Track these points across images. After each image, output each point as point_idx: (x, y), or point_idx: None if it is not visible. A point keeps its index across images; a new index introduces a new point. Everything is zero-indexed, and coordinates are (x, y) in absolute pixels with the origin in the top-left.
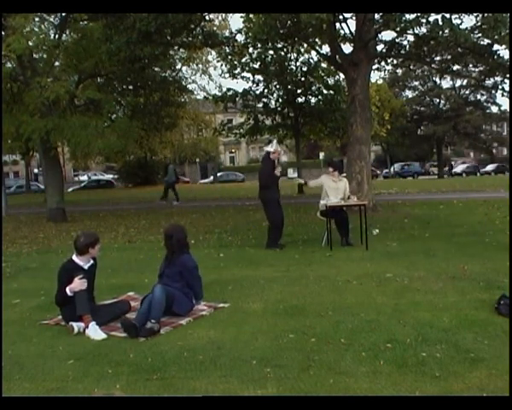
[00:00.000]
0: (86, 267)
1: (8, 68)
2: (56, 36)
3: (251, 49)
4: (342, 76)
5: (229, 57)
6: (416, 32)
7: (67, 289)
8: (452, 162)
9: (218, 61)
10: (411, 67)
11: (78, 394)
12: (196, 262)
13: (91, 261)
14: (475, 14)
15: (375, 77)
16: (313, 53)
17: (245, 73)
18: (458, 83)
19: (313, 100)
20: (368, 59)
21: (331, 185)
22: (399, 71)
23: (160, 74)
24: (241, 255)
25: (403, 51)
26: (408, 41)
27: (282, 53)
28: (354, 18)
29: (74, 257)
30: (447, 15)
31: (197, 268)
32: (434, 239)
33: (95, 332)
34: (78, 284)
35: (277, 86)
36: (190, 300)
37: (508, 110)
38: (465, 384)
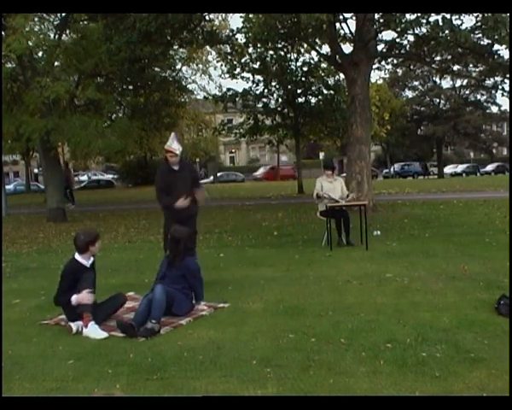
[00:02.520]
0: (89, 265)
1: (8, 68)
2: (56, 36)
3: (251, 49)
4: (342, 76)
5: (229, 57)
6: (417, 32)
7: (73, 299)
8: (428, 164)
9: (217, 61)
10: (411, 67)
11: (78, 394)
12: (199, 265)
13: (92, 259)
14: (475, 15)
15: (375, 77)
16: (313, 53)
17: (245, 73)
18: (458, 83)
19: (313, 100)
20: (368, 59)
21: (327, 186)
22: (399, 71)
23: (159, 74)
24: (241, 255)
25: (403, 51)
26: (408, 41)
27: (282, 53)
28: (354, 18)
29: (77, 256)
30: (447, 16)
31: (200, 270)
32: (434, 239)
33: (95, 331)
34: (86, 297)
35: (277, 86)
36: (190, 300)
37: (508, 110)
38: (465, 384)
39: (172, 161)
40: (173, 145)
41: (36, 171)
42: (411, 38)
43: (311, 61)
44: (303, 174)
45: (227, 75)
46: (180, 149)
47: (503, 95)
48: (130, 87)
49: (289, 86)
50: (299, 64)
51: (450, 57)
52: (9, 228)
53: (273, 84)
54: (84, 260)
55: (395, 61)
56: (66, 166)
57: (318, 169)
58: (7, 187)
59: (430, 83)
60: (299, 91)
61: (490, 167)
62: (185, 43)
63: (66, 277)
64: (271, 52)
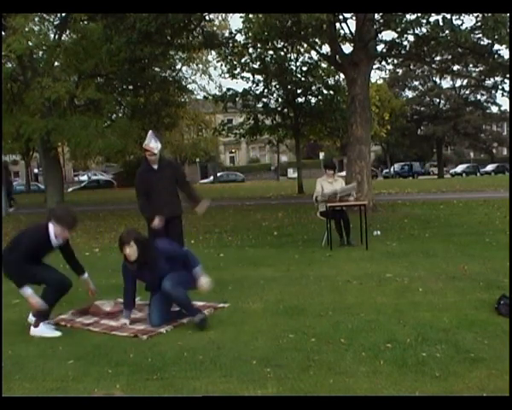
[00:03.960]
0: (55, 246)
1: (8, 68)
2: (56, 36)
3: (251, 50)
4: (342, 76)
5: (229, 57)
6: (417, 32)
7: (26, 292)
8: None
9: (217, 62)
10: (411, 67)
11: (78, 394)
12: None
13: (60, 241)
14: (475, 15)
15: (375, 77)
16: (313, 53)
17: (245, 73)
18: (458, 83)
19: (313, 100)
20: (368, 59)
21: (327, 187)
22: (399, 71)
23: (159, 74)
24: (241, 255)
25: (403, 51)
26: (408, 41)
27: (282, 53)
28: (354, 18)
29: (50, 226)
30: (447, 16)
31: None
32: (434, 239)
33: (46, 331)
34: (39, 305)
35: (277, 86)
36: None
37: (508, 110)
38: (465, 384)
39: (151, 159)
40: (151, 144)
41: (36, 171)
42: (411, 38)
43: (311, 61)
44: (303, 174)
45: (227, 75)
46: (158, 148)
47: (503, 95)
48: (130, 87)
49: (289, 86)
50: (299, 64)
51: (450, 57)
52: (9, 228)
53: (273, 84)
54: (53, 234)
55: (395, 61)
56: (6, 168)
57: (318, 169)
58: None
59: (430, 83)
60: (299, 91)
61: (490, 167)
62: (184, 49)
63: (30, 242)
64: (271, 52)
